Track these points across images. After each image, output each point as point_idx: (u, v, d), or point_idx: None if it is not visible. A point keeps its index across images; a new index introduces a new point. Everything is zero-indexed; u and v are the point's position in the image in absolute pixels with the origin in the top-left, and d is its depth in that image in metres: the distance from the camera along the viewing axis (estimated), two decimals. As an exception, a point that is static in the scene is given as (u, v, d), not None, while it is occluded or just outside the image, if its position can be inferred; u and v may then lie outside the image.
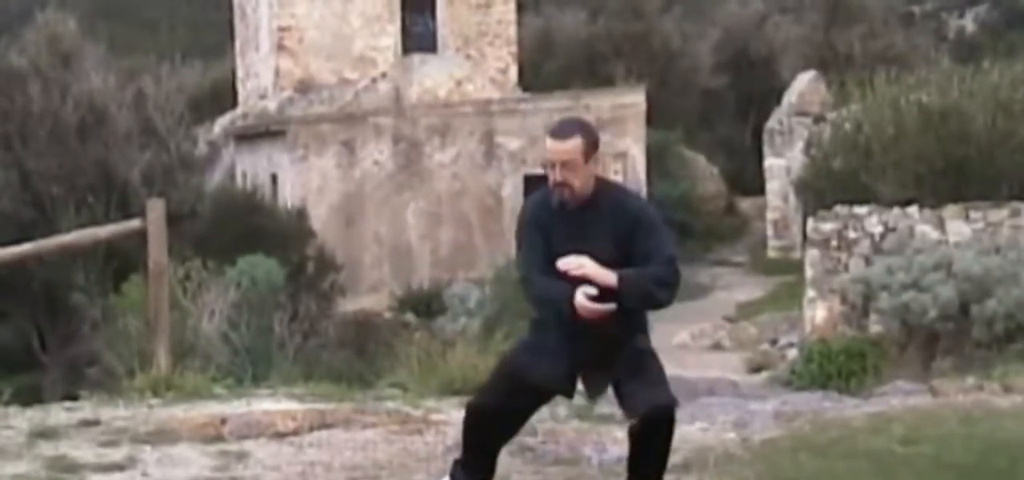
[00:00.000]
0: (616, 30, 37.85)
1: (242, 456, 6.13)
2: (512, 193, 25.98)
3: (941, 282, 13.99)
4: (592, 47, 37.61)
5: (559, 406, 7.20)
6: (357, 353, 16.98)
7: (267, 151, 27.79)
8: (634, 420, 4.76)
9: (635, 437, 4.81)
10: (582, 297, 4.61)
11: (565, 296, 4.64)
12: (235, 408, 7.13)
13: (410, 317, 22.57)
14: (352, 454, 6.18)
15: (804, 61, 33.96)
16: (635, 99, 28.79)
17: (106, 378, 10.61)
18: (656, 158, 29.61)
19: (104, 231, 10.43)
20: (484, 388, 5.09)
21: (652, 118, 29.01)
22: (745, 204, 32.77)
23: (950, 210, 15.35)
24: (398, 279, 25.31)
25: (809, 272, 16.32)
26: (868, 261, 15.51)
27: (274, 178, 27.10)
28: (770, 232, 29.06)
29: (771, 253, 28.63)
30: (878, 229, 15.67)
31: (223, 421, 6.68)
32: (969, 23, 57.72)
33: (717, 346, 19.84)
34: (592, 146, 4.79)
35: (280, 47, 31.02)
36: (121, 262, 15.70)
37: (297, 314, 13.63)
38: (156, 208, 8.25)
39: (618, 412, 5.06)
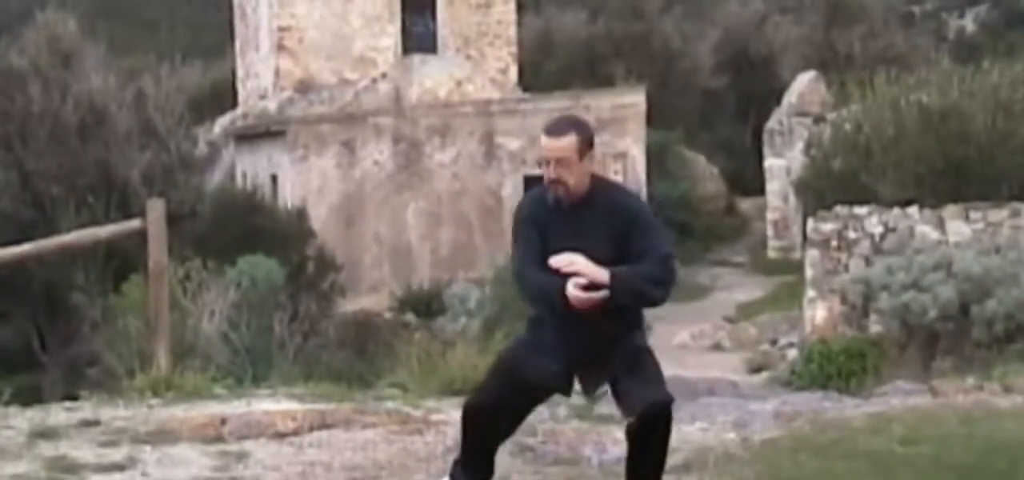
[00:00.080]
0: (616, 30, 37.86)
1: (242, 456, 6.13)
2: (512, 193, 25.97)
3: (941, 282, 13.99)
4: (592, 47, 37.61)
5: (559, 406, 7.21)
6: (357, 353, 16.98)
7: (267, 151, 27.79)
8: (631, 418, 4.77)
9: (632, 436, 4.81)
10: (573, 287, 4.61)
11: (557, 288, 4.65)
12: (235, 408, 7.13)
13: (410, 317, 22.56)
14: (352, 454, 6.18)
15: (804, 61, 33.97)
16: (635, 99, 28.79)
17: (106, 378, 10.61)
18: (656, 158, 29.61)
19: (104, 231, 10.43)
20: (481, 386, 5.10)
21: (652, 118, 29.02)
22: (745, 204, 32.77)
23: (950, 210, 15.35)
24: (398, 279, 25.31)
25: (809, 272, 16.32)
26: (868, 261, 15.51)
27: (274, 178, 27.09)
28: (770, 232, 29.06)
29: (771, 253, 28.63)
30: (878, 229, 15.67)
31: (223, 421, 6.68)
32: (969, 23, 57.74)
33: (717, 346, 19.84)
34: (587, 144, 4.80)
35: (280, 47, 31.02)
36: (121, 262, 15.70)
37: (297, 314, 13.63)
38: (156, 208, 8.26)
39: (618, 412, 5.07)
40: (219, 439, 6.46)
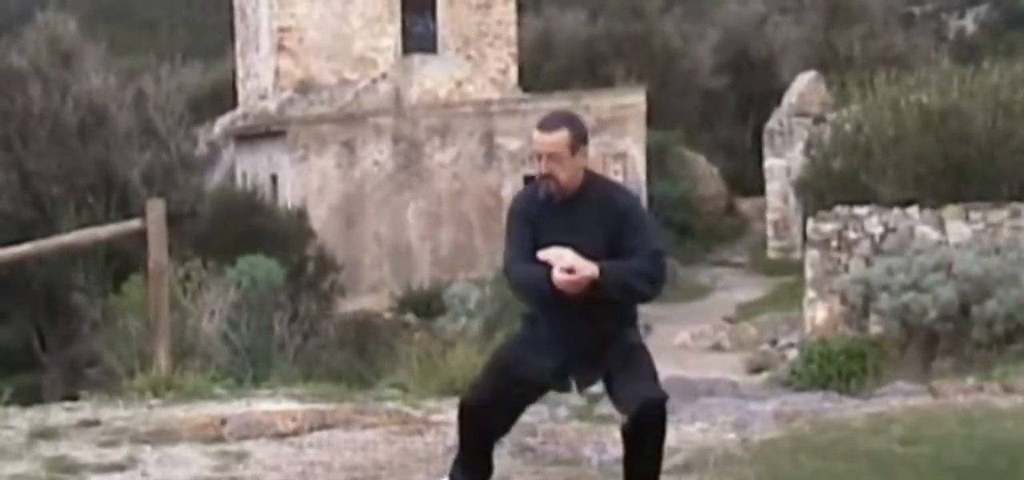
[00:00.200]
0: (616, 31, 37.86)
1: (242, 456, 6.13)
2: (512, 193, 25.94)
3: (941, 283, 13.99)
4: (592, 48, 37.61)
5: (559, 406, 7.21)
6: (357, 353, 16.98)
7: (267, 151, 27.79)
8: (625, 417, 4.77)
9: (628, 437, 4.82)
10: (559, 272, 4.62)
11: (543, 276, 4.66)
12: (235, 408, 7.13)
13: (410, 317, 22.56)
14: (352, 454, 6.18)
15: (804, 62, 33.97)
16: (635, 100, 28.80)
17: (106, 378, 10.61)
18: (656, 159, 29.62)
19: (104, 231, 10.43)
20: (476, 383, 5.11)
21: (652, 119, 29.03)
22: (745, 205, 32.78)
23: (950, 211, 15.35)
24: (398, 279, 25.31)
25: (809, 273, 16.32)
26: (868, 262, 15.51)
27: (274, 178, 27.09)
28: (770, 233, 29.07)
29: (771, 254, 28.63)
30: (878, 230, 15.67)
31: (223, 421, 6.68)
32: (969, 23, 57.73)
33: (717, 347, 19.84)
34: (579, 139, 4.81)
35: (280, 47, 31.03)
36: (121, 262, 15.69)
37: (297, 314, 13.62)
38: (156, 208, 8.26)
39: (616, 412, 5.07)
40: (219, 439, 6.46)
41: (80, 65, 22.15)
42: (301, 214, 23.31)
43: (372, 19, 31.35)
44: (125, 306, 11.41)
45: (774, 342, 19.08)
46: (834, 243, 15.99)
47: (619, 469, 5.07)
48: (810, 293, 16.22)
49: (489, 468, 5.13)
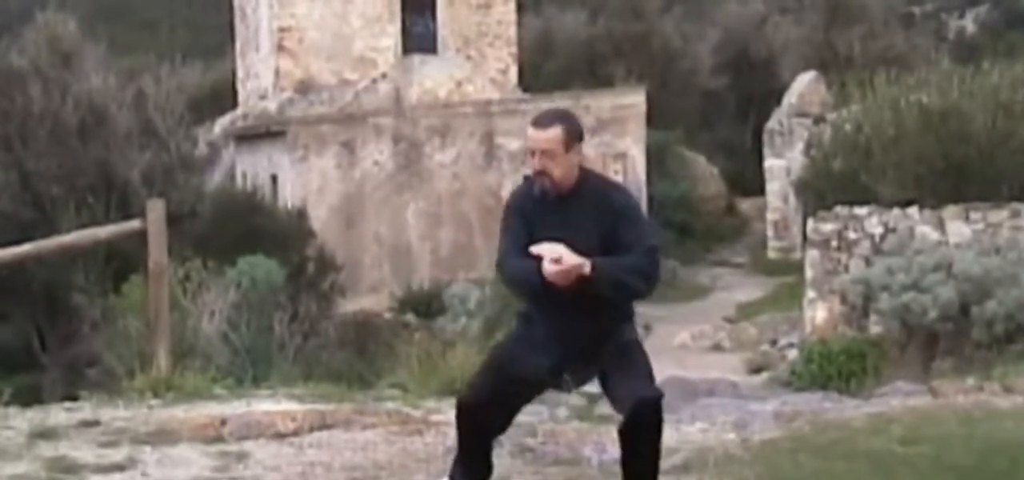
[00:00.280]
0: (616, 31, 37.86)
1: (242, 457, 6.13)
2: (512, 194, 25.94)
3: (941, 283, 13.99)
4: (592, 48, 37.61)
5: (559, 406, 7.21)
6: (357, 353, 16.98)
7: (267, 152, 27.79)
8: (621, 416, 4.78)
9: (624, 436, 4.82)
10: (548, 264, 4.63)
11: (533, 269, 4.67)
12: (235, 409, 7.13)
13: (410, 317, 22.56)
14: (352, 455, 6.18)
15: (804, 62, 33.97)
16: (635, 100, 28.80)
17: (106, 378, 10.61)
18: (656, 159, 29.62)
19: (104, 231, 10.44)
20: (472, 382, 5.12)
21: (652, 119, 29.02)
22: (745, 205, 32.78)
23: (950, 211, 15.35)
24: (398, 279, 25.31)
25: (809, 273, 16.32)
26: (868, 262, 15.51)
27: (274, 179, 27.09)
28: (770, 233, 29.07)
29: (771, 254, 28.63)
30: (878, 230, 15.67)
31: (223, 422, 6.68)
32: (969, 24, 57.73)
33: (717, 347, 19.84)
34: (573, 137, 4.82)
35: (280, 48, 31.03)
36: (121, 262, 15.69)
37: (297, 314, 13.61)
38: (156, 208, 8.26)
39: (614, 410, 5.08)
40: (219, 439, 6.47)
41: (80, 65, 22.14)
42: (301, 214, 23.31)
43: (372, 19, 31.35)
44: (125, 306, 11.41)
45: (774, 342, 19.08)
46: (834, 243, 16.00)
47: (619, 469, 5.07)
48: (810, 293, 16.22)
49: (488, 468, 5.14)
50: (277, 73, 31.16)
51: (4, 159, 20.91)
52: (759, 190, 30.32)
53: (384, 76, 30.94)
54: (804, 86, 29.90)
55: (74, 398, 8.22)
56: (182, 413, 7.00)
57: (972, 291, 13.79)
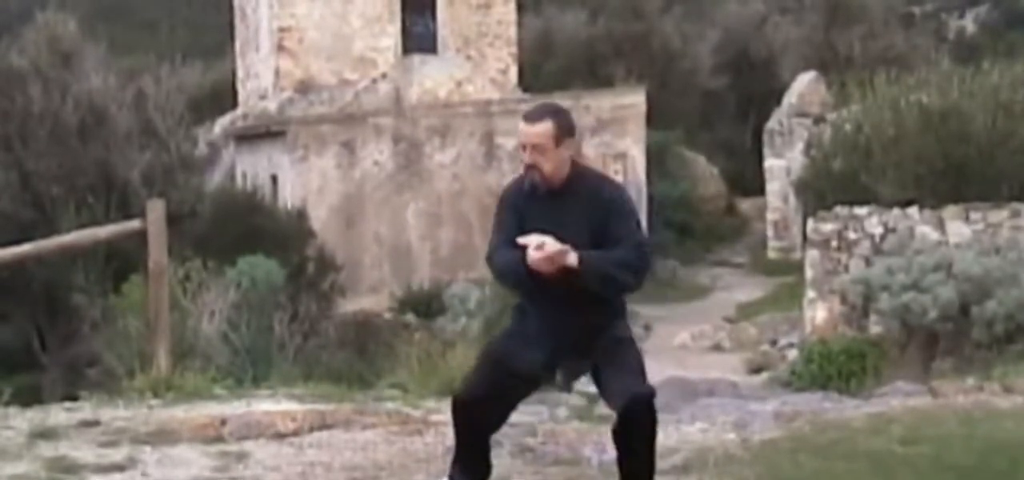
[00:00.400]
0: (616, 31, 37.85)
1: (242, 457, 6.13)
2: (512, 194, 25.91)
3: (941, 283, 13.99)
4: (592, 48, 37.60)
5: (559, 406, 7.21)
6: (357, 353, 16.97)
7: (267, 152, 27.79)
8: (614, 412, 4.79)
9: (618, 433, 4.84)
10: (533, 251, 4.65)
11: (519, 259, 4.71)
12: (235, 409, 7.13)
13: (410, 317, 22.55)
14: (352, 455, 6.18)
15: (804, 62, 33.97)
16: (635, 100, 28.78)
17: (106, 378, 10.60)
18: (656, 159, 29.61)
19: (104, 231, 10.43)
20: (468, 378, 5.16)
21: (652, 119, 29.01)
22: (745, 205, 32.78)
23: (950, 211, 15.35)
24: (398, 279, 25.31)
25: (809, 273, 16.32)
26: (868, 262, 15.51)
27: (274, 179, 27.09)
28: (770, 233, 29.07)
29: (771, 254, 28.63)
30: (878, 230, 15.67)
31: (223, 422, 6.68)
32: (969, 24, 57.72)
33: (717, 347, 19.84)
34: (564, 131, 4.85)
35: (280, 48, 31.02)
36: (121, 262, 15.68)
37: (297, 314, 13.60)
38: (156, 208, 8.26)
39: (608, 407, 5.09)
40: (219, 439, 6.47)
41: (80, 65, 22.13)
42: (301, 214, 23.29)
43: (372, 19, 31.35)
44: (125, 306, 11.40)
45: (774, 342, 19.08)
46: (834, 243, 16.00)
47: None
48: (810, 293, 16.22)
49: (487, 467, 5.15)
50: (277, 73, 31.15)
51: (4, 159, 20.90)
52: (759, 190, 30.32)
53: (384, 76, 30.93)
54: (804, 86, 29.90)
55: (74, 398, 8.22)
56: (182, 413, 7.00)
57: (972, 291, 13.79)
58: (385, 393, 8.07)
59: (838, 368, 12.35)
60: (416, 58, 31.23)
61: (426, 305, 23.08)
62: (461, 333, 17.70)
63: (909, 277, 14.27)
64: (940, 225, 15.29)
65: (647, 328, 18.02)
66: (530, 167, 4.85)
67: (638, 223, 4.91)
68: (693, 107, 36.70)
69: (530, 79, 33.13)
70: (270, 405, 7.24)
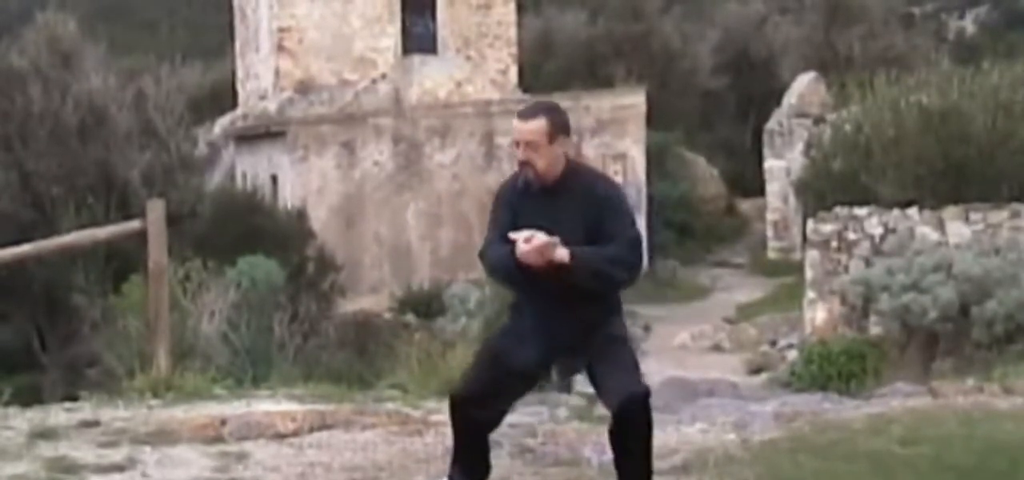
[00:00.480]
0: (616, 31, 37.86)
1: (242, 457, 6.13)
2: (512, 194, 25.90)
3: (941, 283, 13.98)
4: (592, 48, 37.61)
5: (559, 407, 7.21)
6: (357, 354, 16.95)
7: (267, 152, 27.79)
8: (609, 411, 4.80)
9: (613, 433, 4.85)
10: (522, 244, 4.67)
11: (509, 253, 4.73)
12: (235, 409, 7.13)
13: (410, 318, 22.53)
14: (352, 455, 6.18)
15: (804, 62, 33.99)
16: (635, 100, 28.79)
17: (106, 379, 10.59)
18: (656, 159, 29.62)
19: (104, 232, 10.43)
20: (465, 375, 5.19)
21: (652, 119, 29.02)
22: (745, 205, 32.79)
23: (950, 211, 15.35)
24: (398, 280, 25.31)
25: (809, 273, 16.32)
26: (868, 262, 15.51)
27: (274, 179, 27.09)
28: (770, 233, 29.07)
29: (771, 254, 28.64)
30: (878, 230, 15.67)
31: (223, 422, 6.68)
32: (969, 24, 57.73)
33: (717, 347, 19.85)
34: (558, 128, 4.86)
35: (280, 48, 31.02)
36: (121, 263, 15.67)
37: (297, 315, 13.59)
38: (156, 209, 8.26)
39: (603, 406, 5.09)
40: (219, 440, 6.47)
41: (80, 65, 22.11)
42: (301, 214, 23.29)
43: (372, 19, 31.35)
44: (125, 306, 11.39)
45: (774, 343, 19.08)
46: (834, 244, 15.99)
47: (619, 470, 5.07)
48: (810, 294, 16.22)
49: (487, 467, 5.15)
50: (277, 73, 31.15)
51: (4, 159, 20.90)
52: (759, 190, 30.32)
53: (384, 76, 30.94)
54: (804, 86, 29.91)
55: (74, 398, 8.22)
56: (182, 413, 7.00)
57: (972, 291, 13.78)
58: (385, 393, 8.07)
59: (838, 369, 12.33)
60: (416, 58, 31.23)
61: (426, 305, 23.07)
62: (461, 333, 17.68)
63: (909, 278, 14.27)
64: (940, 226, 15.28)
65: (647, 328, 18.01)
66: (524, 164, 4.88)
67: (632, 220, 4.92)
68: (693, 107, 36.72)
69: (530, 79, 33.13)
70: (270, 405, 7.24)
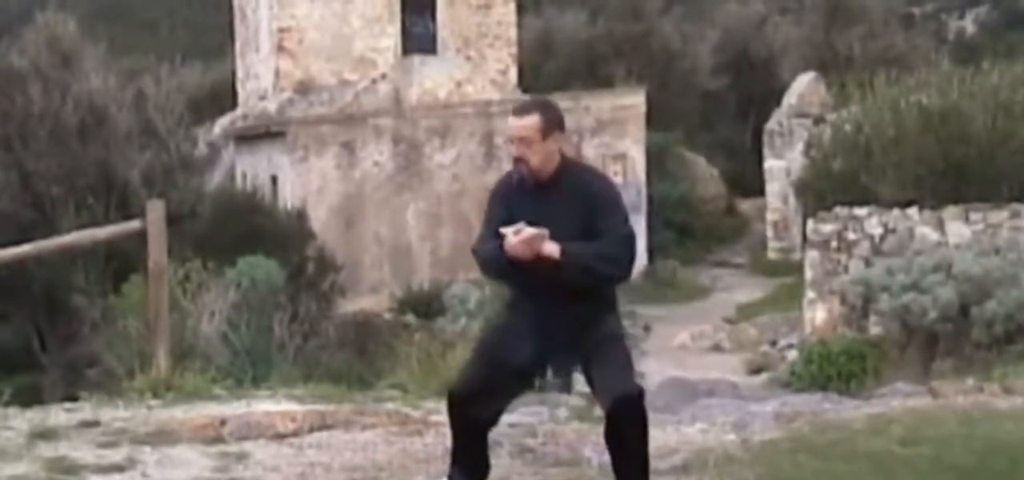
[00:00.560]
0: (616, 31, 37.86)
1: (242, 457, 6.13)
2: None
3: (941, 283, 13.98)
4: (592, 48, 37.61)
5: (559, 407, 7.21)
6: (357, 354, 16.95)
7: (267, 152, 27.79)
8: (603, 409, 4.80)
9: (610, 435, 4.85)
10: (510, 237, 4.68)
11: (499, 247, 4.74)
12: (235, 409, 7.13)
13: (410, 318, 22.53)
14: (352, 455, 6.18)
15: (804, 62, 33.99)
16: (635, 100, 28.79)
17: (106, 379, 10.60)
18: (656, 159, 29.62)
19: (104, 232, 10.43)
20: (462, 372, 5.20)
21: (652, 119, 29.02)
22: (745, 205, 32.79)
23: (950, 211, 15.35)
24: (398, 280, 25.31)
25: (809, 273, 16.32)
26: (868, 262, 15.51)
27: (274, 179, 27.09)
28: (770, 233, 29.07)
29: (771, 254, 28.64)
30: (878, 230, 15.67)
31: (223, 422, 6.68)
32: (969, 24, 57.74)
33: (717, 347, 19.85)
34: (552, 125, 4.88)
35: (280, 48, 31.02)
36: (121, 263, 15.67)
37: (297, 315, 13.60)
38: (156, 209, 8.26)
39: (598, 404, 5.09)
40: (219, 440, 6.46)
41: (80, 65, 22.11)
42: (301, 215, 23.29)
43: (372, 19, 31.35)
44: (125, 307, 11.39)
45: (774, 343, 19.08)
46: (834, 244, 15.99)
47: (618, 470, 5.07)
48: (810, 294, 16.22)
49: (486, 466, 5.15)
50: (277, 73, 31.15)
51: (4, 159, 20.90)
52: (759, 191, 30.32)
53: (384, 76, 30.93)
54: (804, 86, 29.91)
55: (74, 398, 8.21)
56: (182, 413, 7.00)
57: (972, 291, 13.78)
58: (385, 393, 8.07)
59: (838, 369, 12.34)
60: (416, 58, 31.23)
61: (426, 305, 23.07)
62: (461, 334, 17.67)
63: (909, 278, 14.27)
64: (940, 226, 15.28)
65: (647, 328, 18.01)
66: (518, 160, 4.89)
67: (625, 218, 4.91)
68: (693, 107, 36.72)
69: (530, 80, 33.12)
70: (270, 405, 7.24)
